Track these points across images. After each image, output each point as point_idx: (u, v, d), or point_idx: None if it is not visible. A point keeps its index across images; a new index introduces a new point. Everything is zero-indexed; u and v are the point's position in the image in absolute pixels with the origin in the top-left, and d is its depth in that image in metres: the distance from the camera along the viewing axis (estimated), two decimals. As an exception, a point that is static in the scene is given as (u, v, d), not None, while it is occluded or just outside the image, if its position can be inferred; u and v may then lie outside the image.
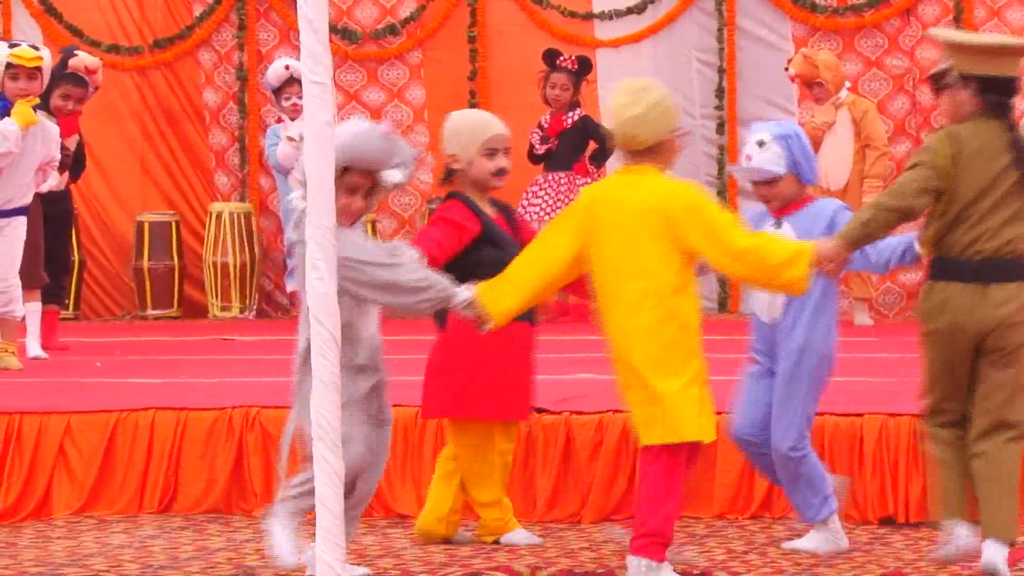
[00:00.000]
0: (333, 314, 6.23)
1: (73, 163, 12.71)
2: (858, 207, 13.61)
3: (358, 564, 7.58)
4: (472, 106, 15.56)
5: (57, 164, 12.36)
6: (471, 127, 8.53)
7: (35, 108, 11.88)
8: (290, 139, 13.37)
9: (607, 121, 8.03)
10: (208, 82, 16.21)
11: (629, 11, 15.31)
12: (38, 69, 11.87)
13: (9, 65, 11.70)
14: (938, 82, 8.26)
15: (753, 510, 8.95)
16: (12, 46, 12.14)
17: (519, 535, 8.34)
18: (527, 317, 8.46)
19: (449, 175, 8.52)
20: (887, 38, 14.95)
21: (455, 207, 8.44)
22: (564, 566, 7.83)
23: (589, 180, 14.30)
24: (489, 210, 8.44)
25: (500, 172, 8.44)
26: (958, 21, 14.79)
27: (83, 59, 13.29)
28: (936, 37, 9.49)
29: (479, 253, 8.23)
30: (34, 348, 12.69)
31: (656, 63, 15.42)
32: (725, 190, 14.47)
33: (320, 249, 6.22)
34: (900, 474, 8.81)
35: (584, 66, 14.46)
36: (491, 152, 8.37)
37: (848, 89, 13.82)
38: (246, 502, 9.47)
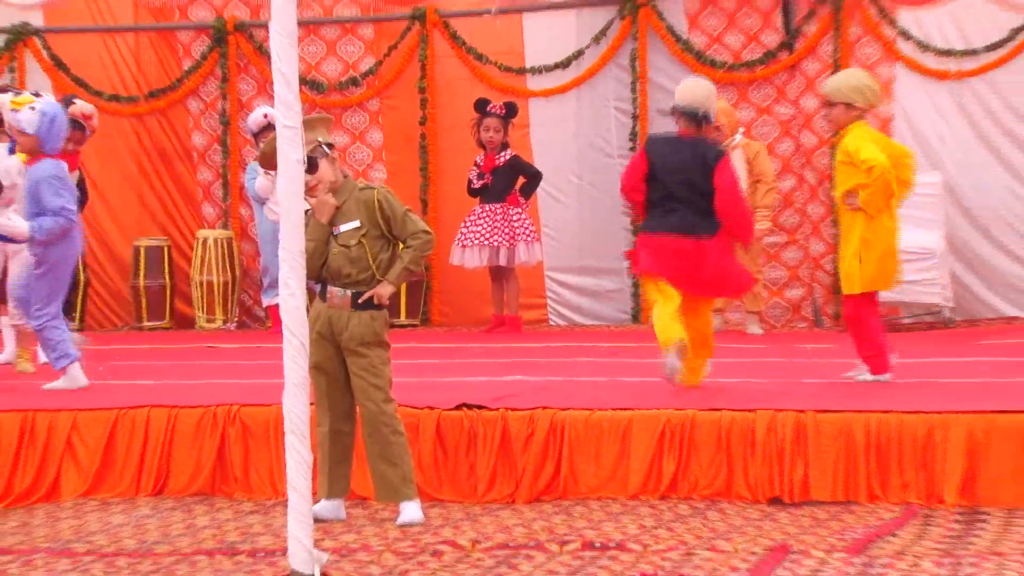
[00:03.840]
0: (303, 324, 6.24)
1: (77, 196, 12.65)
2: (751, 245, 13.80)
3: (323, 539, 7.59)
4: (423, 148, 15.60)
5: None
6: None
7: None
8: (267, 173, 13.32)
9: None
10: (196, 126, 16.17)
11: (556, 66, 15.33)
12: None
13: (10, 104, 11.65)
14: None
15: (662, 491, 8.97)
16: (16, 94, 12.09)
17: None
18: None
19: None
20: (776, 89, 15.00)
21: None
22: (500, 540, 7.86)
23: (521, 210, 14.35)
24: None
25: None
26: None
27: (80, 106, 13.25)
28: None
29: None
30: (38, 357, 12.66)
31: (580, 110, 15.45)
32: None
33: (291, 270, 6.23)
34: (786, 461, 8.84)
35: (511, 110, 14.46)
36: None
37: (742, 133, 13.87)
38: (228, 486, 9.45)
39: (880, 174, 10.02)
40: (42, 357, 12.61)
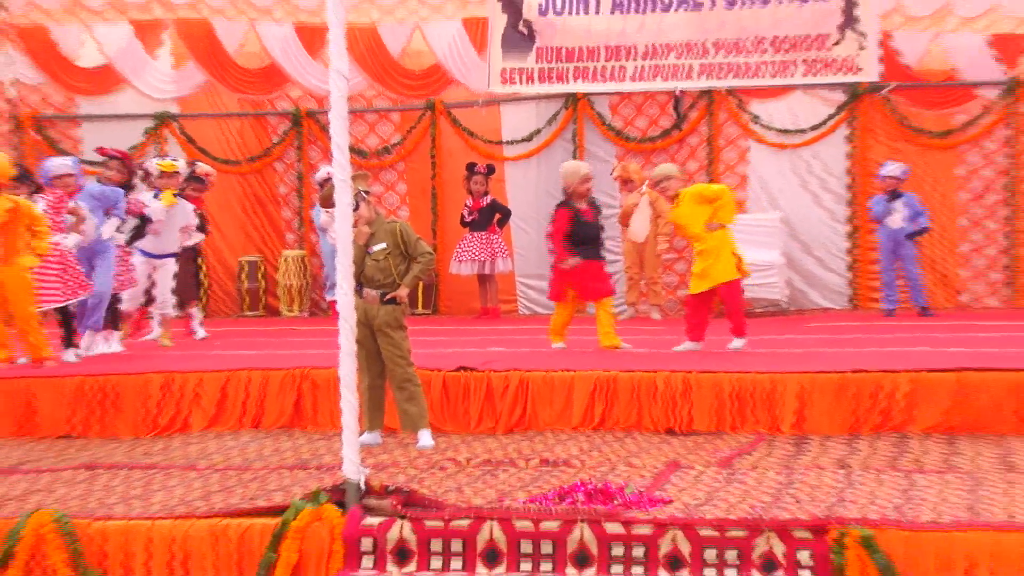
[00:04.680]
0: (352, 314, 6.22)
1: (200, 228, 12.72)
2: (652, 254, 13.81)
3: (366, 458, 7.57)
4: (433, 195, 15.57)
5: (195, 229, 12.40)
6: None
7: (176, 195, 11.89)
8: (328, 212, 13.30)
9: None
10: (280, 180, 16.07)
11: (523, 140, 15.25)
12: (175, 172, 11.92)
13: (158, 170, 11.79)
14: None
15: (594, 425, 8.97)
16: (162, 159, 12.29)
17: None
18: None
19: None
20: (669, 156, 14.88)
21: None
22: (485, 458, 7.88)
23: (498, 236, 14.37)
24: None
25: None
26: (710, 149, 14.92)
27: (201, 167, 13.40)
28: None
29: None
30: (200, 333, 12.73)
31: (539, 170, 15.35)
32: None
33: (345, 277, 6.22)
34: (678, 404, 8.88)
35: (491, 170, 14.41)
36: None
37: (647, 184, 13.84)
38: (303, 422, 9.47)
39: (729, 192, 10.57)
40: (198, 335, 12.70)
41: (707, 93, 14.88)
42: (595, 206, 10.94)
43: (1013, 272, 14.60)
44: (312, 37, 15.31)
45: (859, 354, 9.90)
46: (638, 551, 5.85)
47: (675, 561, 5.82)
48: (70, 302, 10.59)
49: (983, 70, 14.48)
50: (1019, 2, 14.25)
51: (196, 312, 12.89)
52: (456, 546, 6.04)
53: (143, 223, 11.64)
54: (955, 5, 14.38)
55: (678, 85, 14.69)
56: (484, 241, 14.31)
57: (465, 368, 9.35)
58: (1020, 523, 5.81)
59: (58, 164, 11.00)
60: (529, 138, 15.37)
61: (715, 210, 10.30)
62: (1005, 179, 14.59)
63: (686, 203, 10.42)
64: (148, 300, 12.18)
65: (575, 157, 15.14)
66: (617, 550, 5.88)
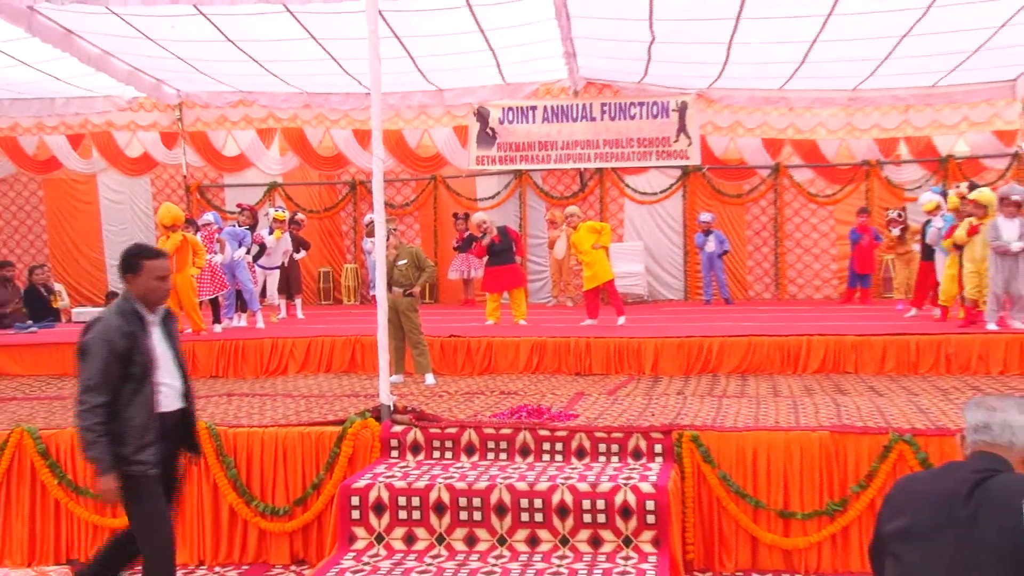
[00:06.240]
0: (385, 303, 6.07)
1: (306, 248, 12.57)
2: (568, 267, 13.67)
3: (394, 390, 7.43)
4: (434, 231, 15.39)
5: (291, 252, 12.18)
6: None
7: (282, 232, 11.66)
8: (371, 241, 13.11)
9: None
10: (343, 222, 15.80)
11: (490, 198, 15.10)
12: (283, 219, 11.70)
13: (272, 217, 11.56)
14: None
15: (532, 370, 8.83)
16: (276, 210, 12.04)
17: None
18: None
19: None
20: (579, 206, 14.84)
21: None
22: (467, 390, 7.72)
23: (475, 255, 14.24)
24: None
25: None
26: (602, 203, 14.86)
27: (299, 215, 13.10)
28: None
29: None
30: (299, 314, 12.40)
31: (500, 217, 15.23)
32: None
33: (381, 280, 6.06)
34: (583, 357, 8.79)
35: (467, 216, 14.22)
36: None
37: (565, 224, 13.71)
38: (355, 368, 9.27)
39: (608, 227, 10.53)
40: (299, 315, 12.43)
41: (599, 171, 14.74)
42: (504, 234, 11.04)
43: (778, 277, 14.69)
44: (363, 137, 15.06)
45: (690, 326, 9.86)
46: (558, 446, 5.77)
47: (581, 452, 5.75)
48: (216, 295, 10.48)
49: (759, 159, 14.55)
50: (779, 119, 14.40)
51: (299, 301, 12.71)
52: (448, 444, 5.92)
53: (262, 248, 11.47)
54: (742, 120, 14.47)
55: (582, 166, 14.63)
56: (464, 259, 14.12)
57: (454, 335, 9.21)
58: (783, 427, 5.78)
59: (204, 218, 11.03)
60: (493, 197, 15.22)
61: (599, 237, 10.26)
62: (773, 222, 14.67)
63: (582, 231, 10.38)
64: (263, 294, 11.98)
65: (520, 211, 15.05)
66: (546, 446, 5.79)
